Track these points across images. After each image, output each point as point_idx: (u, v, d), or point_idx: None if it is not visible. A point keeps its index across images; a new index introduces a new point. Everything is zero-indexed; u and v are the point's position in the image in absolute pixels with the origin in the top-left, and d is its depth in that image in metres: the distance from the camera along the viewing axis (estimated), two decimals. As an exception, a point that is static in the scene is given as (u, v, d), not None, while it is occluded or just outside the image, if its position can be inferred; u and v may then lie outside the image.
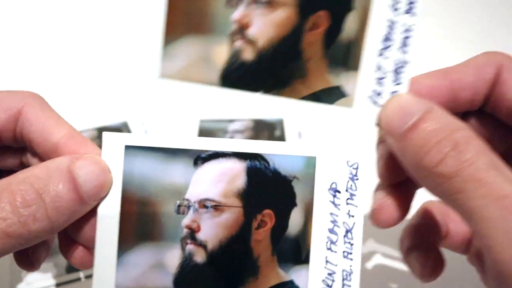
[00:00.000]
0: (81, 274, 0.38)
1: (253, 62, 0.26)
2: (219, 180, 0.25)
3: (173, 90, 0.26)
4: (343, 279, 0.26)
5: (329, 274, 0.26)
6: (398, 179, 0.26)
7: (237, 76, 0.26)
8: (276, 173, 0.26)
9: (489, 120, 0.27)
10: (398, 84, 0.25)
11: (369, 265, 0.39)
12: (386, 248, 0.39)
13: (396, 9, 0.25)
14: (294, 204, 0.26)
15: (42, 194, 0.23)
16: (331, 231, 0.26)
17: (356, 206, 0.26)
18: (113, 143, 0.25)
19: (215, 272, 0.25)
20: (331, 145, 0.26)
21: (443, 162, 0.22)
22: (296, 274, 0.26)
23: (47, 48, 0.50)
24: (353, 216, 0.26)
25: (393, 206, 0.26)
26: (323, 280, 0.26)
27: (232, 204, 0.25)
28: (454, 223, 0.30)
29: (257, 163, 0.25)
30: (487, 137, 0.24)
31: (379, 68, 0.26)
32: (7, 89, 0.27)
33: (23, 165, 0.28)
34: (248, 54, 0.26)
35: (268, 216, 0.26)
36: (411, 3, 0.25)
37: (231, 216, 0.25)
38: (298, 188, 0.26)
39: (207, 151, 0.25)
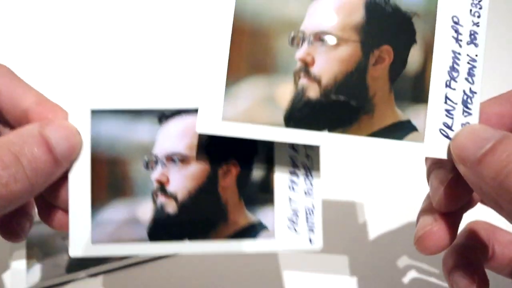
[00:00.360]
0: (81, 274, 0.38)
1: (318, 100, 0.25)
2: (183, 135, 0.27)
3: (236, 133, 0.25)
4: (307, 215, 0.27)
5: (294, 212, 0.27)
6: (458, 206, 0.25)
7: (302, 115, 0.25)
8: None
9: None
10: (468, 115, 0.25)
11: (405, 280, 0.38)
12: (421, 264, 0.38)
13: (459, 40, 0.25)
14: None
15: (20, 157, 0.24)
16: (293, 161, 0.27)
17: None
18: (80, 108, 0.26)
19: (187, 221, 0.27)
20: None
21: None
22: (263, 215, 0.27)
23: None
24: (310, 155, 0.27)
25: (441, 232, 0.26)
26: (288, 218, 0.27)
27: (198, 156, 0.27)
28: (500, 245, 0.30)
29: None
30: None
31: (447, 99, 0.25)
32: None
33: (-3, 137, 0.30)
34: (313, 92, 0.25)
35: (232, 165, 0.27)
36: (473, 33, 0.25)
37: (197, 168, 0.27)
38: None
39: (170, 109, 0.26)
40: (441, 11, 0.25)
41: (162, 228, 0.26)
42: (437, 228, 0.26)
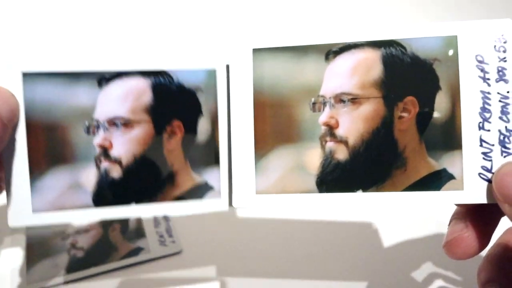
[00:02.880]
0: (81, 274, 0.37)
1: (347, 161, 0.25)
2: (126, 98, 0.26)
3: (271, 204, 0.25)
4: None
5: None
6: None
7: (333, 178, 0.25)
8: (179, 86, 0.26)
9: None
10: (508, 155, 0.24)
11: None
12: (447, 272, 0.36)
13: (486, 79, 0.24)
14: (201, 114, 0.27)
15: None
16: None
17: None
18: (9, 70, 0.25)
19: (133, 185, 0.26)
20: None
21: None
22: (209, 175, 0.27)
23: None
24: None
25: (471, 239, 0.25)
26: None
27: (142, 119, 0.26)
28: None
29: (161, 78, 0.26)
30: None
31: (483, 142, 0.24)
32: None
33: None
34: (341, 154, 0.25)
35: (177, 127, 0.26)
36: (501, 70, 0.24)
37: (141, 131, 0.26)
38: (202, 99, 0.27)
39: (110, 71, 0.26)
40: (463, 52, 0.25)
41: (107, 193, 0.26)
42: (467, 235, 0.25)
